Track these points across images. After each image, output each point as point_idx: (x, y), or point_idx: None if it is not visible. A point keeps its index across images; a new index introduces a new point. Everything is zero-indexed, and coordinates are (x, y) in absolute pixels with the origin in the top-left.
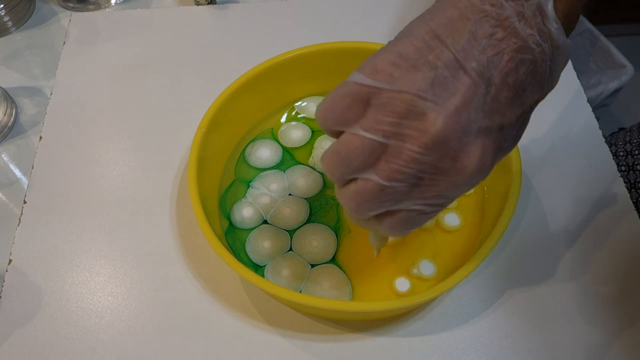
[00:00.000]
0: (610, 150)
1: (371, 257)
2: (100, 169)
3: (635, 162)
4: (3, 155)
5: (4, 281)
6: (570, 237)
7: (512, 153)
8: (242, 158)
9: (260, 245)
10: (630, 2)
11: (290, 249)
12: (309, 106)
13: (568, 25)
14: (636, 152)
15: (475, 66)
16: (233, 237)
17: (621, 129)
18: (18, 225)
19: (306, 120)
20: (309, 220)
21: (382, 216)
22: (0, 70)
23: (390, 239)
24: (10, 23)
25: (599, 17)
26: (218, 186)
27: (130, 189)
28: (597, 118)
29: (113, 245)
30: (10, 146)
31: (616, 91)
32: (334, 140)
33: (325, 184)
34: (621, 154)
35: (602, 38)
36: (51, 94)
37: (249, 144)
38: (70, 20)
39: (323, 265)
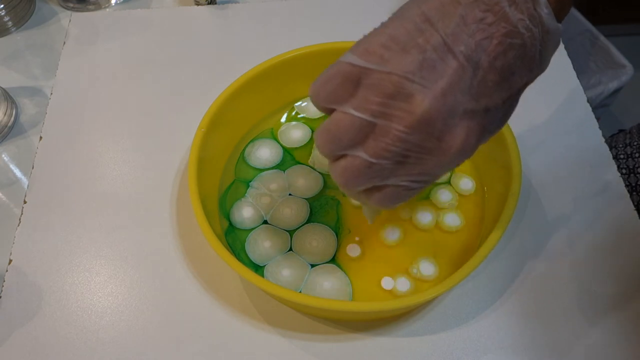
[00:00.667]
0: (610, 153)
1: (371, 257)
2: (100, 169)
3: (636, 165)
4: (3, 155)
5: (4, 281)
6: (570, 237)
7: (512, 153)
8: (242, 158)
9: (260, 245)
10: (630, 2)
11: (290, 249)
12: (309, 106)
13: (560, 10)
14: (636, 154)
15: (464, 50)
16: (233, 237)
17: (621, 130)
18: (18, 225)
19: (306, 120)
20: (309, 220)
21: (371, 191)
22: (0, 70)
23: (390, 237)
24: (10, 23)
25: (599, 17)
26: (218, 186)
27: (130, 189)
28: (597, 118)
29: (113, 245)
30: (10, 146)
31: (616, 91)
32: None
33: (325, 184)
34: (621, 156)
35: (602, 38)
36: (51, 94)
37: (248, 144)
38: (70, 20)
39: (323, 265)
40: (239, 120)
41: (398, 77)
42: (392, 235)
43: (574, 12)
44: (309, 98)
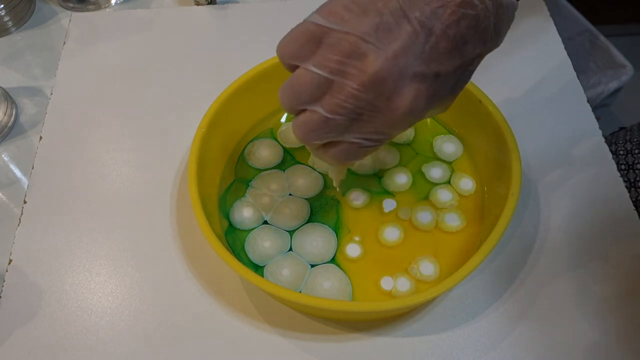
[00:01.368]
0: (610, 149)
1: (371, 257)
2: (100, 169)
3: (635, 161)
4: (3, 155)
5: (4, 281)
6: (570, 237)
7: (512, 153)
8: (242, 158)
9: (260, 245)
10: (630, 2)
11: (290, 249)
12: None
13: None
14: (636, 151)
15: (419, 16)
16: (233, 237)
17: (621, 128)
18: (18, 225)
19: None
20: (309, 220)
21: (327, 146)
22: (0, 70)
23: (390, 237)
24: (10, 23)
25: (599, 17)
26: (218, 186)
27: (130, 189)
28: (597, 118)
29: (113, 245)
30: (10, 146)
31: (616, 91)
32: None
33: (326, 184)
34: (621, 152)
35: (602, 38)
36: (51, 94)
37: (248, 143)
38: (70, 20)
39: (323, 265)
40: (239, 120)
41: (355, 38)
42: (392, 235)
43: (574, 12)
44: None
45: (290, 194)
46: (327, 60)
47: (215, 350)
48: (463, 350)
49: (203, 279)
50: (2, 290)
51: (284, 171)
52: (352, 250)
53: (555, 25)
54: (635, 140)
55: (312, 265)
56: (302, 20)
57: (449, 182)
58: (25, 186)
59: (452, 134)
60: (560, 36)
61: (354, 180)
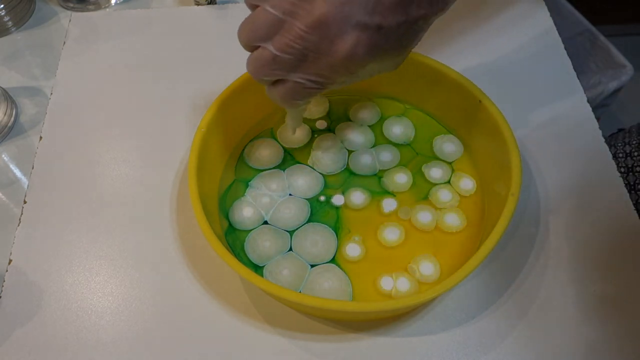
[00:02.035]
0: (610, 152)
1: (371, 257)
2: (100, 169)
3: (635, 164)
4: (3, 155)
5: (4, 281)
6: (570, 237)
7: (512, 153)
8: (242, 158)
9: (260, 245)
10: (630, 2)
11: (290, 249)
12: (309, 106)
13: None
14: (635, 153)
15: None
16: (233, 237)
17: (620, 130)
18: (18, 225)
19: (306, 120)
20: (309, 220)
21: (276, 84)
22: (0, 70)
23: (390, 237)
24: (10, 23)
25: (599, 17)
26: (218, 186)
27: (130, 189)
28: (597, 118)
29: (113, 245)
30: (10, 146)
31: (616, 91)
32: (331, 139)
33: (326, 184)
34: (620, 155)
35: (602, 38)
36: (51, 94)
37: (248, 143)
38: (70, 20)
39: (323, 265)
40: (239, 120)
41: None
42: (392, 235)
43: (574, 12)
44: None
45: (290, 194)
46: (282, 2)
47: (216, 350)
48: (463, 350)
49: (203, 279)
50: (2, 290)
51: (284, 171)
52: (352, 250)
53: (555, 25)
54: (634, 142)
55: (312, 266)
56: None
57: (449, 182)
58: (25, 186)
59: (452, 134)
60: (560, 36)
61: (354, 180)
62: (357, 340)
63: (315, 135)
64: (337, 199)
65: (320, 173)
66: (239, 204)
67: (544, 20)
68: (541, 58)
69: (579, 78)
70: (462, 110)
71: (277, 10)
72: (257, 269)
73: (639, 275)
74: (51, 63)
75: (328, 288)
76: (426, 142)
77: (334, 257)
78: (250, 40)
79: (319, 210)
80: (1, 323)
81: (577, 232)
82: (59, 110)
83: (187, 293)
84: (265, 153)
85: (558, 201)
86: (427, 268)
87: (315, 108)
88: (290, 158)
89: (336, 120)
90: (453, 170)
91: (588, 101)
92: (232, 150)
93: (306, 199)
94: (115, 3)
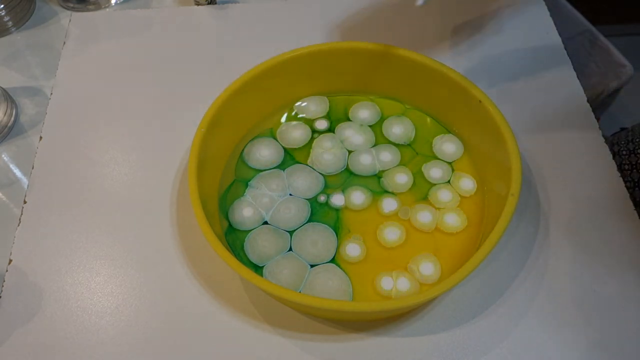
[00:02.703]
0: (613, 150)
1: (371, 257)
2: (100, 169)
3: (639, 161)
4: (3, 155)
5: (4, 281)
6: (570, 237)
7: (512, 153)
8: (242, 158)
9: (260, 245)
10: (630, 2)
11: (290, 249)
12: (309, 106)
13: None
14: (639, 150)
15: None
16: (233, 237)
17: (623, 129)
18: (18, 225)
19: (306, 120)
20: (309, 220)
21: None
22: (0, 70)
23: (390, 237)
24: (10, 23)
25: (599, 17)
26: (218, 186)
27: (130, 189)
28: (597, 118)
29: (113, 245)
30: (10, 146)
31: (616, 91)
32: (331, 139)
33: (326, 184)
34: (624, 152)
35: (602, 38)
36: (51, 94)
37: (248, 143)
38: (70, 20)
39: (323, 265)
40: (239, 120)
41: None
42: (392, 235)
43: (574, 12)
44: (308, 98)
45: (290, 194)
46: None
47: (216, 350)
48: (463, 350)
49: (203, 279)
50: (2, 290)
51: (284, 171)
52: (352, 250)
53: (555, 25)
54: (637, 140)
55: (312, 266)
56: (302, 21)
57: (449, 182)
58: (25, 186)
59: (452, 133)
60: (560, 36)
61: (354, 180)
62: (357, 340)
63: (315, 135)
64: (337, 199)
65: (320, 173)
66: (239, 204)
67: (544, 20)
68: (541, 58)
69: (579, 78)
70: (462, 110)
71: None
72: (257, 269)
73: (639, 275)
74: (51, 63)
75: (328, 288)
76: (426, 142)
77: (333, 257)
78: None
79: (319, 210)
80: (1, 323)
81: (577, 232)
82: (59, 110)
83: (187, 293)
84: (265, 153)
85: (558, 201)
86: (427, 268)
87: (315, 108)
88: (290, 158)
89: (336, 120)
90: (453, 170)
91: (588, 101)
92: (232, 150)
93: (306, 199)
94: (115, 3)
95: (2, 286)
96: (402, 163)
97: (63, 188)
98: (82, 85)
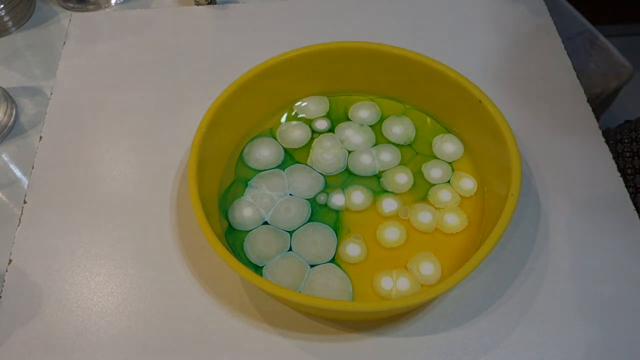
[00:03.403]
0: (617, 149)
1: (371, 257)
2: (100, 169)
3: None
4: (3, 155)
5: (4, 281)
6: (570, 237)
7: (512, 153)
8: (242, 158)
9: (260, 245)
10: (630, 2)
11: (290, 249)
12: (308, 106)
13: None
14: None
15: None
16: (233, 237)
17: (627, 121)
18: (18, 225)
19: (306, 121)
20: (309, 220)
21: None
22: (0, 70)
23: (390, 237)
24: (10, 23)
25: (599, 17)
26: (218, 186)
27: (130, 189)
28: (597, 118)
29: (113, 245)
30: (10, 146)
31: (616, 91)
32: (331, 139)
33: (326, 184)
34: (626, 140)
35: (602, 38)
36: (51, 94)
37: (248, 143)
38: (70, 20)
39: (323, 265)
40: (239, 120)
41: None
42: (392, 235)
43: (574, 12)
44: (308, 98)
45: (290, 194)
46: None
47: (216, 350)
48: (463, 350)
49: (203, 279)
50: (2, 290)
51: (284, 171)
52: (352, 250)
53: (555, 25)
54: None
55: (312, 266)
56: (302, 21)
57: (449, 182)
58: (25, 186)
59: (452, 133)
60: (560, 36)
61: (354, 180)
62: (357, 340)
63: (315, 135)
64: (337, 199)
65: (320, 173)
66: (238, 204)
67: (544, 20)
68: (541, 58)
69: (579, 78)
70: (462, 110)
71: None
72: (257, 269)
73: (639, 275)
74: (51, 63)
75: (328, 288)
76: (426, 142)
77: (333, 257)
78: None
79: (319, 210)
80: (1, 323)
81: (576, 232)
82: (59, 110)
83: (187, 293)
84: (265, 153)
85: (558, 201)
86: (427, 268)
87: (315, 108)
88: (290, 158)
89: (336, 120)
90: (453, 170)
91: (588, 101)
92: (232, 150)
93: (306, 199)
94: (115, 3)
95: (2, 286)
96: (402, 163)
97: (63, 188)
98: (82, 85)
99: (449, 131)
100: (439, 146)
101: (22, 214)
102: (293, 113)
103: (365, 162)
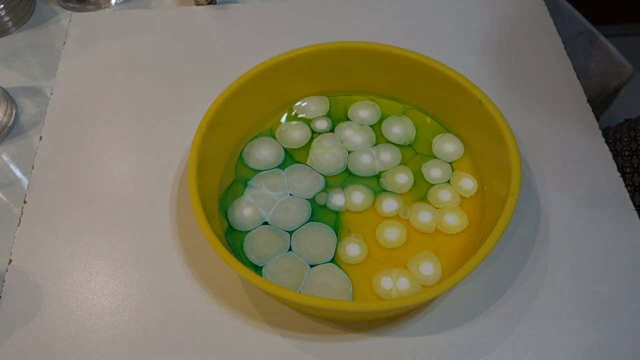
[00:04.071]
0: (616, 148)
1: (371, 257)
2: (100, 169)
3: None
4: (3, 155)
5: (4, 281)
6: (570, 237)
7: (512, 153)
8: (242, 158)
9: (260, 245)
10: (630, 2)
11: (290, 249)
12: (308, 106)
13: None
14: None
15: None
16: (233, 238)
17: (627, 120)
18: (18, 225)
19: (305, 121)
20: (308, 220)
21: None
22: (0, 70)
23: (390, 237)
24: (10, 23)
25: (599, 17)
26: (218, 186)
27: (130, 189)
28: (597, 118)
29: (113, 245)
30: (10, 146)
31: (616, 91)
32: (331, 139)
33: (326, 184)
34: (626, 153)
35: (602, 38)
36: (51, 94)
37: (248, 143)
38: (70, 20)
39: (323, 265)
40: (239, 120)
41: None
42: (392, 235)
43: (574, 12)
44: (308, 98)
45: (290, 194)
46: None
47: (215, 350)
48: (463, 350)
49: (203, 279)
50: (2, 290)
51: (283, 171)
52: (352, 250)
53: (555, 25)
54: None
55: (312, 266)
56: (302, 21)
57: (449, 182)
58: (25, 186)
59: (452, 133)
60: (560, 36)
61: (354, 180)
62: (357, 340)
63: (315, 135)
64: (337, 199)
65: (320, 173)
66: (238, 204)
67: (544, 20)
68: (541, 58)
69: (579, 78)
70: (462, 110)
71: None
72: (257, 269)
73: (639, 275)
74: (51, 63)
75: (328, 288)
76: (426, 142)
77: (333, 257)
78: None
79: (319, 210)
80: (1, 323)
81: (577, 232)
82: (59, 110)
83: (187, 293)
84: (265, 153)
85: (558, 201)
86: (427, 268)
87: (315, 108)
88: (290, 158)
89: (336, 120)
90: (453, 170)
91: (588, 101)
92: (232, 150)
93: (306, 199)
94: (115, 3)
95: (2, 286)
96: (402, 163)
97: (63, 188)
98: (82, 85)
99: (448, 131)
100: (438, 146)
101: (22, 214)
102: (293, 113)
103: (365, 162)
